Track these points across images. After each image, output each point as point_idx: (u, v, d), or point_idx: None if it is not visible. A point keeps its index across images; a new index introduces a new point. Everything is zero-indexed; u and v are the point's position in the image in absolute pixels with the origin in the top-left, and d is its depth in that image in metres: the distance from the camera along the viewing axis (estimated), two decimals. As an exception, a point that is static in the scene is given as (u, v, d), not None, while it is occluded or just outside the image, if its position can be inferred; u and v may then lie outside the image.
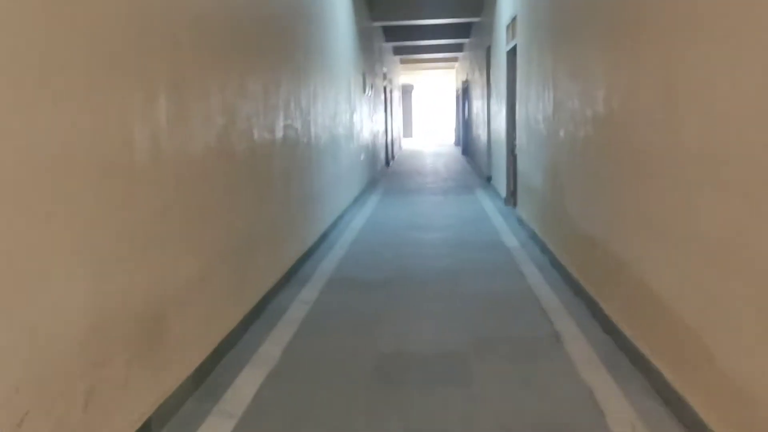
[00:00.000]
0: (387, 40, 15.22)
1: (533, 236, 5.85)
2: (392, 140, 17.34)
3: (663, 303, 2.63)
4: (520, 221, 6.66)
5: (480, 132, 12.31)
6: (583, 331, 3.42)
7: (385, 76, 15.08)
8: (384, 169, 14.21)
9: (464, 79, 17.02)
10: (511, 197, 8.04)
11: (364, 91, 10.41)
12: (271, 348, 3.26)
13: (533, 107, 5.81)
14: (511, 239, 6.00)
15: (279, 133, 4.43)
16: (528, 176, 6.26)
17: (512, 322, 3.63)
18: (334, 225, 6.79)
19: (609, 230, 3.42)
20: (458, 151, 20.44)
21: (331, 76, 6.85)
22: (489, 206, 8.20)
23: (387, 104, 15.61)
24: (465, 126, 17.24)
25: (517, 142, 6.95)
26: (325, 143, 6.42)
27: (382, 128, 14.42)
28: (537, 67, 5.62)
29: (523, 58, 6.40)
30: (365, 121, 10.52)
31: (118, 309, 2.23)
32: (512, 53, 7.58)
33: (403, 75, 25.04)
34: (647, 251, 2.81)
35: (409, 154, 20.88)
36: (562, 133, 4.61)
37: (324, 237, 6.17)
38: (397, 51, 18.08)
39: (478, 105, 12.84)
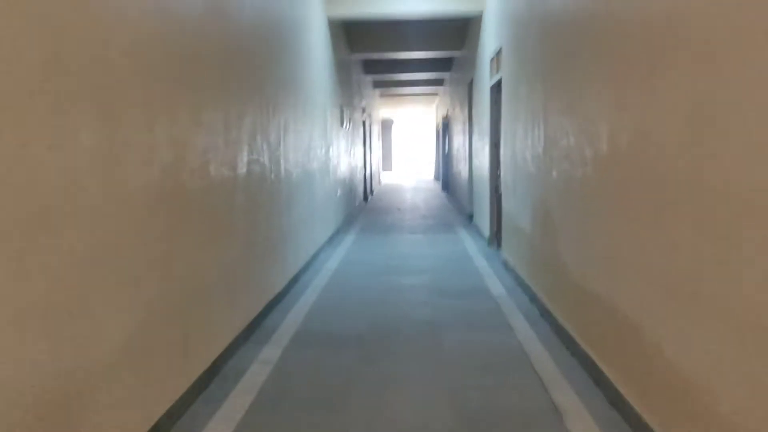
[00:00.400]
0: (366, 73, 14.97)
1: (520, 282, 5.42)
2: (371, 174, 16.99)
3: (684, 376, 2.19)
4: (506, 265, 6.24)
5: (461, 168, 11.99)
6: (585, 403, 2.96)
7: (363, 110, 14.79)
8: (362, 205, 13.80)
9: (444, 114, 16.81)
10: (495, 238, 7.63)
11: (342, 124, 10.04)
12: (220, 428, 2.74)
13: (521, 144, 5.45)
14: (496, 285, 5.56)
15: (242, 169, 3.98)
16: (514, 217, 5.86)
17: (503, 390, 3.16)
18: (307, 266, 6.30)
19: (612, 284, 3.00)
20: (438, 186, 20.15)
21: (305, 108, 6.45)
22: (471, 247, 7.78)
23: (366, 138, 15.29)
24: (445, 161, 16.97)
25: (502, 180, 6.57)
26: (298, 179, 5.98)
27: (361, 162, 14.06)
28: (525, 102, 5.27)
29: (509, 92, 6.07)
30: (342, 155, 10.12)
31: (2, 399, 1.72)
32: (496, 88, 7.26)
33: (383, 109, 24.89)
34: (664, 314, 2.38)
35: (388, 188, 20.53)
36: (554, 173, 4.22)
37: (295, 280, 5.68)
38: (377, 84, 17.86)
39: (458, 141, 12.55)
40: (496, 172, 7.40)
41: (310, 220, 6.75)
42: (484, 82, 7.96)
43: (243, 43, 4.09)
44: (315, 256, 6.87)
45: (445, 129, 16.79)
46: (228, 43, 3.74)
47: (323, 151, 7.79)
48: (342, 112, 10.09)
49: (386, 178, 26.32)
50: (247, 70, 4.18)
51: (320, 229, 7.42)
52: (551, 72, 4.29)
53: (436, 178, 22.31)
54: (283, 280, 5.23)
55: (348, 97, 11.29)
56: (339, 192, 9.38)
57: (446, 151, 16.63)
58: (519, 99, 5.53)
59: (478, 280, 5.78)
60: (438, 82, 17.81)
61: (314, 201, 7.03)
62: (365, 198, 14.84)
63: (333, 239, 8.43)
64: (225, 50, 3.67)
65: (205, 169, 3.25)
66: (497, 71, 6.98)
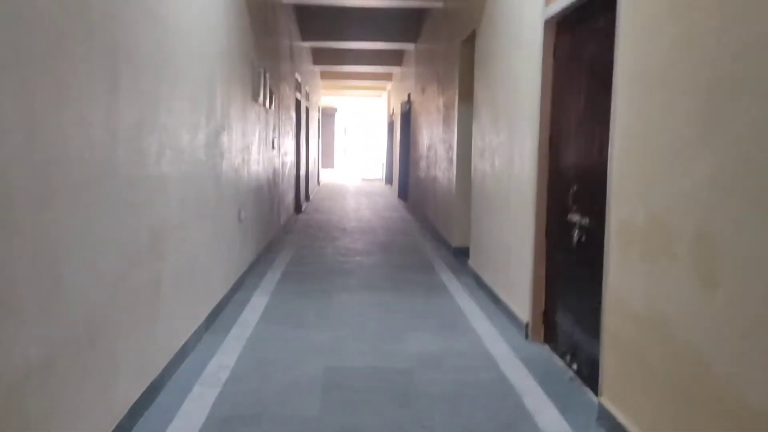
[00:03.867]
0: (304, 39, 10.97)
1: None
2: (308, 174, 12.97)
3: None
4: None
5: (438, 173, 8.15)
6: None
7: (299, 88, 10.76)
8: (292, 220, 9.77)
9: (405, 99, 12.96)
10: (546, 327, 3.81)
11: (258, 97, 6.03)
12: None
13: None
14: None
15: None
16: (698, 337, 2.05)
17: None
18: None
19: None
20: (392, 192, 16.29)
21: (137, 43, 2.47)
22: (492, 339, 3.94)
23: (301, 125, 11.26)
24: (404, 161, 13.10)
25: (612, 218, 2.72)
26: (77, 215, 2.00)
27: (292, 158, 10.04)
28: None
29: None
30: (256, 147, 6.11)
31: None
32: (572, 16, 3.43)
33: (324, 93, 20.84)
34: None
35: (329, 191, 16.53)
36: None
37: None
38: (318, 58, 13.87)
39: (434, 134, 8.72)
40: (566, 198, 3.58)
41: (150, 302, 2.74)
42: (522, 19, 4.13)
43: None
44: (149, 396, 2.85)
45: (405, 119, 12.92)
46: None
47: (202, 139, 3.78)
48: (261, 78, 6.08)
49: (327, 177, 22.28)
50: None
51: (185, 310, 3.41)
52: None
53: (388, 181, 18.42)
54: None
55: (274, 62, 7.30)
56: (243, 214, 5.35)
57: (407, 147, 12.78)
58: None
59: None
60: (395, 59, 13.98)
61: (166, 255, 3.03)
62: (298, 208, 10.83)
63: (221, 312, 4.42)
64: None
65: None
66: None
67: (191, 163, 3.58)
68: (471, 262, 5.84)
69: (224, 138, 4.51)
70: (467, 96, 6.49)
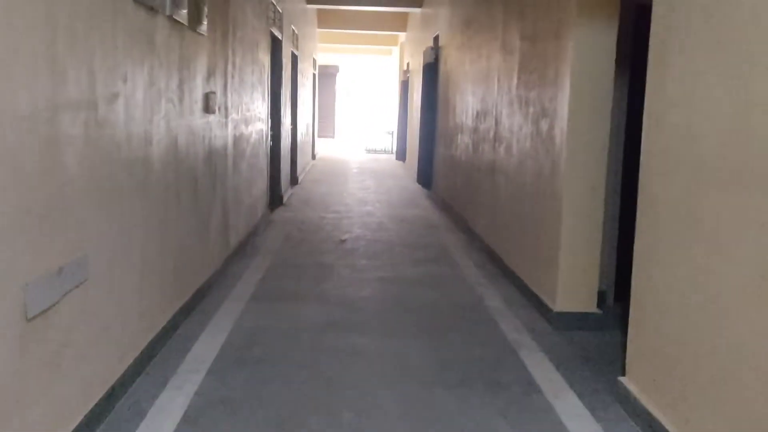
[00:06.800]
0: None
1: None
2: (295, 148, 9.47)
3: None
4: None
5: (508, 160, 4.66)
6: None
7: (279, 21, 7.20)
8: (261, 227, 6.32)
9: (429, 46, 9.35)
10: None
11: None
12: None
13: None
14: None
15: None
16: None
17: None
18: None
19: None
20: (406, 172, 12.76)
21: None
22: None
23: (283, 80, 7.69)
24: (427, 134, 9.50)
25: None
26: None
27: (264, 126, 6.56)
28: None
29: None
30: (142, 106, 2.63)
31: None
32: None
33: (324, 50, 17.15)
34: None
35: (326, 169, 13.02)
36: None
37: None
38: (312, -7, 10.31)
39: (493, 91, 5.22)
40: None
41: None
42: None
43: None
44: None
45: (430, 73, 9.31)
46: None
47: None
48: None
49: (325, 149, 18.65)
50: None
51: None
52: None
53: (400, 156, 14.85)
54: None
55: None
56: (54, 297, 1.91)
57: (432, 113, 9.21)
58: None
59: None
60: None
61: None
62: (275, 201, 7.37)
63: None
64: None
65: None
66: None
67: None
68: (635, 385, 2.42)
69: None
70: (604, 5, 3.01)
